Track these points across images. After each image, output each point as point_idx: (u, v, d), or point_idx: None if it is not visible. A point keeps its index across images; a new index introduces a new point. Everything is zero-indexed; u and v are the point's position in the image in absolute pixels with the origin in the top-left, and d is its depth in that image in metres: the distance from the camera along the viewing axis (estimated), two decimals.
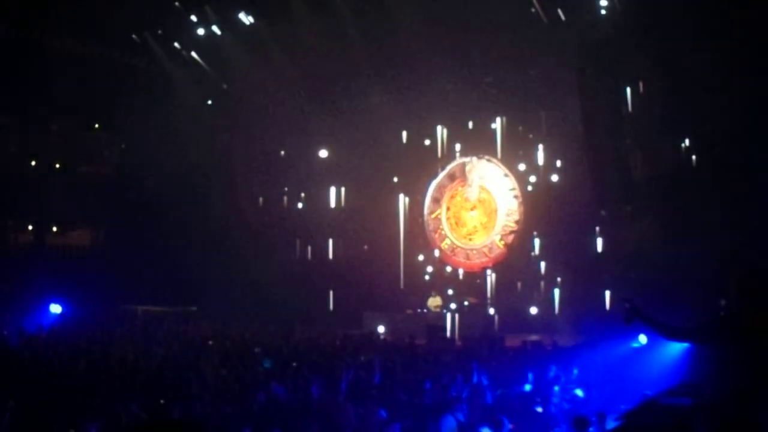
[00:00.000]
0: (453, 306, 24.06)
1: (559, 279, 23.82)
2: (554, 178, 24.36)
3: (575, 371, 12.67)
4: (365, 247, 26.84)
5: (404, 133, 26.72)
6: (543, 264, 24.39)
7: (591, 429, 8.14)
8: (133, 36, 25.63)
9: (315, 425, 8.11)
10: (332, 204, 28.06)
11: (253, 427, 7.43)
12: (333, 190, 27.88)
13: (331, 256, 27.77)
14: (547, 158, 24.58)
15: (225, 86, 27.83)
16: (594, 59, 21.36)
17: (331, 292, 27.26)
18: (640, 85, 21.70)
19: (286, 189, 29.04)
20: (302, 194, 28.56)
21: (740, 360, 4.69)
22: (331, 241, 27.90)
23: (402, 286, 26.50)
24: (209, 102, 28.33)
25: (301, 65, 25.14)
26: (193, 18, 25.35)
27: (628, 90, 22.09)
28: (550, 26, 22.10)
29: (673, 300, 15.65)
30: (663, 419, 5.60)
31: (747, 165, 17.30)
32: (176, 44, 26.49)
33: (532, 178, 24.89)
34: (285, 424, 7.99)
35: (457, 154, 26.61)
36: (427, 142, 26.84)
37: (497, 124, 25.67)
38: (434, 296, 24.54)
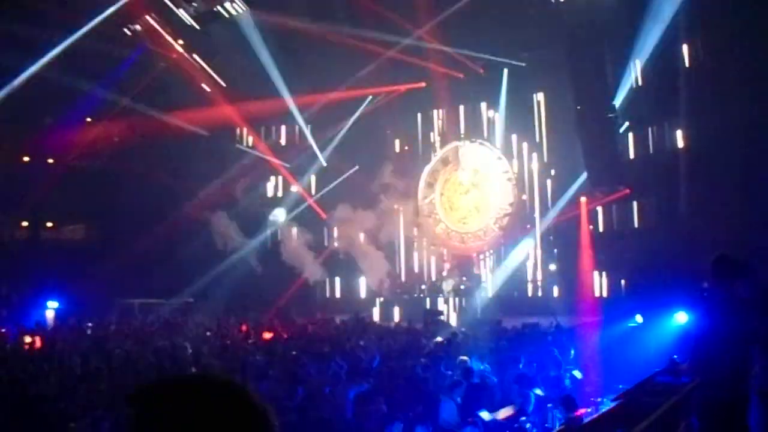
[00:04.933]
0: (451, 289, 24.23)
1: (555, 260, 23.95)
2: (548, 159, 24.48)
3: (572, 352, 12.74)
4: (362, 233, 26.83)
5: (398, 121, 26.83)
6: (539, 246, 24.50)
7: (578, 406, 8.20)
8: (125, 28, 25.47)
9: (313, 414, 8.15)
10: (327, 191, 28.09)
11: None
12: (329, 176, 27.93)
13: (326, 244, 27.84)
14: (541, 140, 24.64)
15: (217, 77, 27.69)
16: (587, 41, 21.29)
17: (327, 280, 27.41)
18: (633, 66, 21.69)
19: (280, 178, 29.12)
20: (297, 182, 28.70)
21: (728, 338, 4.76)
22: (325, 230, 27.98)
23: (399, 270, 26.69)
24: (203, 93, 28.19)
25: (290, 50, 24.99)
26: (183, 9, 25.17)
27: (620, 71, 22.09)
28: (542, 8, 22.03)
29: (666, 280, 15.75)
30: (659, 398, 5.66)
31: (741, 147, 17.31)
32: (166, 35, 26.32)
33: (526, 161, 24.98)
34: (283, 413, 8.03)
35: (451, 138, 26.67)
36: (420, 127, 26.94)
37: (490, 108, 25.71)
38: (447, 280, 24.73)
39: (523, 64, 23.56)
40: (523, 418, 8.52)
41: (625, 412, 5.85)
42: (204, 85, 27.42)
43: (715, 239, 15.59)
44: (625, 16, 20.35)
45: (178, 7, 24.78)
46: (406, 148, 27.33)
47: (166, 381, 1.36)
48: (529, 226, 24.91)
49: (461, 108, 26.21)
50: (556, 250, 24.13)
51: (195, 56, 26.74)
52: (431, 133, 27.13)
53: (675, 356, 8.23)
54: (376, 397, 8.72)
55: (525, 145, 25.08)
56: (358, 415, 7.81)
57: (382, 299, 24.60)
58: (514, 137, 25.15)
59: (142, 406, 1.31)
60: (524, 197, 24.99)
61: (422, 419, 8.17)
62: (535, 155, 24.88)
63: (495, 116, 25.53)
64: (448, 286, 24.33)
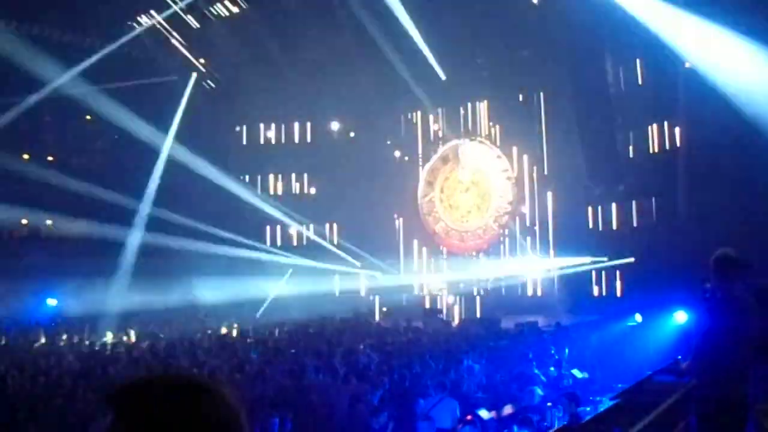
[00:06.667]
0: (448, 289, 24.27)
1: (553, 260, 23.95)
2: (547, 158, 24.46)
3: (566, 351, 12.75)
4: (362, 230, 26.82)
5: (399, 118, 26.86)
6: (537, 245, 24.50)
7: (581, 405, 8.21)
8: (129, 24, 25.47)
9: (311, 411, 8.16)
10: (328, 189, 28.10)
11: (250, 415, 7.45)
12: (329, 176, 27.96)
13: (327, 240, 27.89)
14: (540, 138, 24.61)
15: (217, 75, 27.71)
16: (584, 40, 21.26)
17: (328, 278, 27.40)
18: (632, 65, 21.66)
19: (280, 175, 29.16)
20: (295, 179, 28.79)
21: (729, 338, 4.74)
22: (327, 226, 28.05)
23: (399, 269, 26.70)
24: (202, 90, 28.19)
25: (291, 48, 24.98)
26: (183, 6, 25.17)
27: (620, 70, 22.07)
28: (540, 7, 21.99)
29: (665, 279, 15.74)
30: (658, 397, 5.64)
31: (738, 146, 17.28)
32: (166, 32, 26.31)
33: (525, 159, 24.97)
34: (282, 410, 8.02)
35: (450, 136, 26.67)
36: (420, 125, 26.95)
37: (489, 106, 25.69)
38: (444, 281, 24.79)
39: (523, 62, 23.53)
40: (522, 417, 8.50)
41: (624, 411, 5.84)
42: (205, 83, 27.48)
43: (714, 239, 15.55)
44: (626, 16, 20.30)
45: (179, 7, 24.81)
46: (406, 158, 27.36)
47: (142, 380, 1.37)
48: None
49: (461, 108, 26.18)
50: (554, 250, 24.09)
51: (196, 54, 26.77)
52: (430, 134, 27.11)
53: (679, 357, 8.21)
54: (369, 395, 8.74)
55: (525, 157, 25.01)
56: (354, 413, 7.82)
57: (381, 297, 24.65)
58: (515, 150, 25.06)
59: (120, 405, 1.33)
60: (523, 210, 24.91)
61: (422, 417, 8.18)
62: (536, 168, 24.79)
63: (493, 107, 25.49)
64: (444, 286, 24.35)
